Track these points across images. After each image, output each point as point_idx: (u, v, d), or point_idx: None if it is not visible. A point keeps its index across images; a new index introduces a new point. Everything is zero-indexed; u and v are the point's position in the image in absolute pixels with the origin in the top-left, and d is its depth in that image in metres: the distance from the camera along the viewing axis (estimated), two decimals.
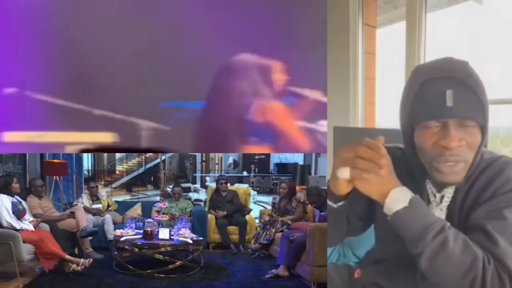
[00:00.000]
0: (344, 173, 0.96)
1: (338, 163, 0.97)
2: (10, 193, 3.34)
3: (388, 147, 1.20)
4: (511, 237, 0.97)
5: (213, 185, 5.28)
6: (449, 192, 1.10)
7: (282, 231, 3.88)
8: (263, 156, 12.76)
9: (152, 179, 12.62)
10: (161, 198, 5.25)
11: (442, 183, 1.08)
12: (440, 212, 1.10)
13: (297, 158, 11.17)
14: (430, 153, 1.04)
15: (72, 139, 1.89)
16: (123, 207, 4.78)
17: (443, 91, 1.00)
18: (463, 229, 1.02)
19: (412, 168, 1.13)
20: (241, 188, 5.44)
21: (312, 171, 9.00)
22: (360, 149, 0.94)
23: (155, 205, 4.60)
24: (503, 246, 0.95)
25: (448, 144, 1.00)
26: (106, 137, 1.87)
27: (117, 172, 13.02)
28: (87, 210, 4.21)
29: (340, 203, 1.08)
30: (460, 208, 1.08)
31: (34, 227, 3.32)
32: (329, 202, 1.11)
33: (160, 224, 4.05)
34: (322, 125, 2.02)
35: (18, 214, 3.30)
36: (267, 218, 4.18)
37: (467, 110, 1.00)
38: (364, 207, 1.26)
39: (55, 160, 4.66)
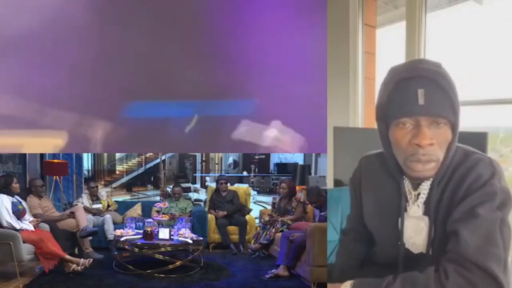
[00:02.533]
0: None
1: None
2: (10, 193, 3.34)
3: (368, 155, 1.36)
4: (485, 233, 1.01)
5: (213, 185, 5.28)
6: (424, 189, 1.16)
7: (282, 231, 3.88)
8: (263, 156, 12.77)
9: (152, 179, 12.64)
10: (161, 198, 5.25)
11: (415, 178, 1.14)
12: (417, 208, 1.17)
13: (297, 158, 11.18)
14: (404, 152, 1.10)
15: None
16: (123, 207, 4.78)
17: (415, 90, 1.05)
18: (441, 226, 1.09)
19: (389, 166, 1.19)
20: (241, 188, 5.44)
21: (312, 171, 9.00)
22: None
23: (155, 205, 4.60)
24: (473, 246, 0.98)
25: (420, 142, 1.05)
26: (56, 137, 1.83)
27: (117, 172, 13.03)
28: (87, 210, 4.21)
29: None
30: (437, 205, 1.13)
31: (34, 227, 3.32)
32: None
33: (160, 224, 4.05)
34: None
35: (18, 214, 3.29)
36: (267, 218, 4.18)
37: (438, 108, 1.05)
38: (360, 214, 1.38)
39: (55, 160, 4.66)
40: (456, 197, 1.08)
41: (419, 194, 1.17)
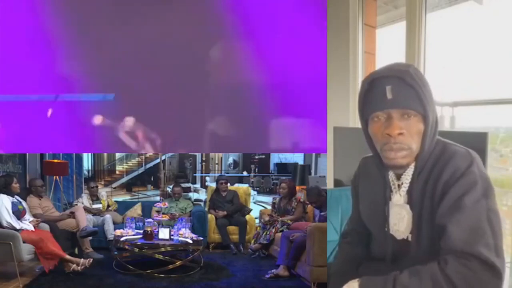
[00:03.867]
0: None
1: None
2: (10, 193, 3.34)
3: (366, 157, 1.46)
4: (471, 224, 1.07)
5: (213, 185, 5.28)
6: (406, 179, 1.25)
7: (282, 231, 3.88)
8: (263, 156, 12.77)
9: (152, 179, 12.63)
10: (161, 198, 5.25)
11: (391, 166, 1.24)
12: (399, 197, 1.28)
13: (297, 158, 11.17)
14: (380, 142, 1.22)
15: None
16: (123, 207, 4.78)
17: (384, 87, 1.18)
18: (428, 216, 1.18)
19: (376, 162, 1.31)
20: (241, 188, 5.44)
21: (312, 171, 9.00)
22: None
23: (155, 205, 4.60)
24: (462, 240, 1.05)
25: (391, 132, 1.17)
26: None
27: (117, 172, 13.03)
28: (87, 210, 4.20)
29: None
30: (421, 195, 1.21)
31: (34, 227, 3.32)
32: None
33: (160, 224, 4.04)
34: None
35: (18, 214, 3.29)
36: (267, 218, 4.18)
37: (405, 101, 1.17)
38: (362, 225, 1.47)
39: (55, 160, 4.66)
40: (437, 189, 1.16)
41: (401, 183, 1.27)
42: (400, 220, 1.26)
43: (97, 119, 2.00)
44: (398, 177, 1.28)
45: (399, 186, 1.28)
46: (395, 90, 1.17)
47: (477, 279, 1.02)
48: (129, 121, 1.99)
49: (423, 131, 1.19)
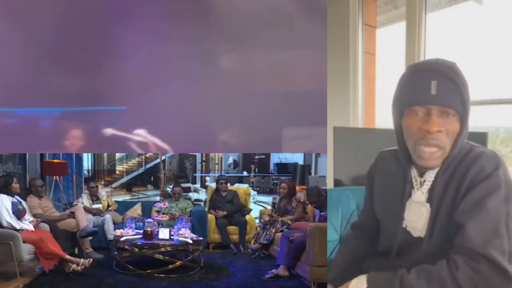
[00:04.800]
0: None
1: None
2: (10, 193, 3.34)
3: (383, 151, 1.44)
4: (490, 225, 1.06)
5: (213, 185, 5.27)
6: (429, 177, 1.23)
7: (282, 231, 3.88)
8: (263, 156, 12.77)
9: (152, 179, 12.62)
10: (161, 198, 5.24)
11: (421, 166, 1.21)
12: (421, 194, 1.25)
13: (297, 158, 11.17)
14: (414, 136, 1.18)
15: None
16: (123, 207, 4.78)
17: (429, 80, 1.14)
18: (446, 215, 1.15)
19: (399, 155, 1.28)
20: (241, 188, 5.44)
21: (312, 171, 8.99)
22: None
23: (155, 205, 4.60)
24: (478, 238, 1.04)
25: (430, 128, 1.13)
26: None
27: (117, 172, 13.02)
28: (87, 210, 4.20)
29: None
30: (442, 194, 1.19)
31: (34, 227, 3.32)
32: None
33: (160, 224, 4.04)
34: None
35: (18, 214, 3.29)
36: (267, 218, 4.18)
37: (448, 100, 1.13)
38: (373, 219, 1.45)
39: (55, 160, 4.65)
40: (461, 188, 1.13)
41: (424, 181, 1.24)
42: (419, 218, 1.24)
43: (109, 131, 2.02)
44: (421, 174, 1.25)
45: (421, 183, 1.25)
46: (440, 86, 1.13)
47: (487, 284, 1.00)
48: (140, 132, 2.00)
49: (458, 131, 1.16)
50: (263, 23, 2.00)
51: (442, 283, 1.02)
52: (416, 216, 1.24)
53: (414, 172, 1.27)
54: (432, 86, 1.13)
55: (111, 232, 4.05)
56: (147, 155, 12.44)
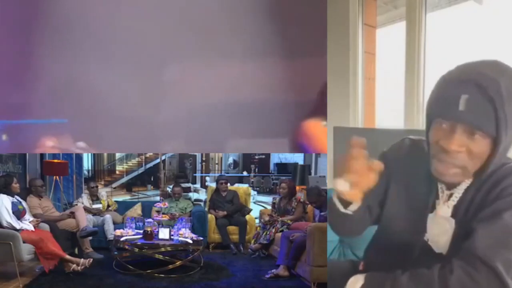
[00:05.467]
0: (342, 185, 0.98)
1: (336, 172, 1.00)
2: (10, 193, 3.34)
3: (412, 139, 1.30)
4: (501, 236, 0.99)
5: (213, 185, 5.27)
6: (458, 192, 1.13)
7: (282, 231, 3.88)
8: (263, 156, 12.77)
9: (152, 179, 12.63)
10: (161, 198, 5.24)
11: (439, 180, 1.12)
12: (446, 209, 1.14)
13: (297, 158, 11.17)
14: (432, 150, 1.10)
15: None
16: (123, 207, 4.78)
17: (461, 94, 1.01)
18: (466, 228, 1.07)
19: (428, 162, 1.15)
20: (241, 188, 5.44)
21: (312, 171, 9.00)
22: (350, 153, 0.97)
23: (155, 205, 4.60)
24: (485, 245, 0.98)
25: (447, 146, 1.03)
26: None
27: (117, 172, 13.02)
28: (87, 210, 4.21)
29: (355, 208, 1.12)
30: (466, 210, 1.11)
31: (34, 227, 3.32)
32: (339, 207, 1.15)
33: (160, 224, 4.05)
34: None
35: (18, 214, 3.29)
36: (267, 218, 4.18)
37: (476, 119, 1.00)
38: (382, 193, 1.31)
39: (55, 160, 4.65)
40: (487, 200, 1.06)
41: (451, 194, 1.15)
42: (443, 233, 1.15)
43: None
44: (450, 187, 1.15)
45: (448, 196, 1.15)
46: (471, 102, 1.01)
47: None
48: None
49: (489, 154, 1.05)
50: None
51: (430, 285, 0.98)
52: (440, 231, 1.16)
53: (441, 184, 1.17)
54: (462, 101, 1.01)
55: (111, 232, 4.06)
56: (147, 155, 12.45)
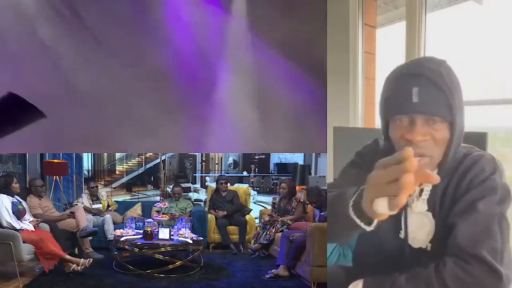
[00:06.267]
0: (382, 207, 0.84)
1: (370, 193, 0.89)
2: (10, 193, 3.34)
3: (373, 141, 1.36)
4: (482, 226, 1.04)
5: (213, 185, 5.27)
6: (427, 185, 1.16)
7: (282, 231, 3.88)
8: (263, 156, 12.77)
9: (152, 179, 12.62)
10: (161, 198, 5.24)
11: None
12: (421, 204, 1.17)
13: (297, 158, 11.17)
14: (398, 146, 1.12)
15: None
16: (123, 207, 4.78)
17: (411, 88, 1.07)
18: (442, 220, 1.12)
19: None
20: (241, 188, 5.44)
21: (312, 171, 9.00)
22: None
23: (155, 205, 4.60)
24: (469, 238, 1.03)
25: (412, 138, 1.06)
26: None
27: (117, 172, 13.01)
28: (87, 210, 4.21)
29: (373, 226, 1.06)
30: (440, 202, 1.15)
31: (34, 227, 3.32)
32: (360, 224, 1.08)
33: (160, 224, 4.05)
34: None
35: (18, 214, 3.29)
36: (267, 218, 4.18)
37: (432, 107, 1.06)
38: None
39: (55, 160, 4.66)
40: (458, 192, 1.11)
41: (422, 190, 1.17)
42: (420, 228, 1.18)
43: None
44: None
45: (419, 192, 1.17)
46: (423, 93, 1.06)
47: (476, 284, 0.99)
48: None
49: (449, 139, 1.10)
50: None
51: (429, 284, 1.01)
52: (417, 227, 1.19)
53: None
54: (414, 93, 1.06)
55: (111, 232, 4.05)
56: (147, 155, 12.45)
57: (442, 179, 1.12)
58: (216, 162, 13.62)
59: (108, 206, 4.53)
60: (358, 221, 1.10)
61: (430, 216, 1.16)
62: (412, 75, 1.09)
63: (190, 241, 3.70)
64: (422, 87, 1.06)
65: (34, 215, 3.60)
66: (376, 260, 1.30)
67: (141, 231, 3.74)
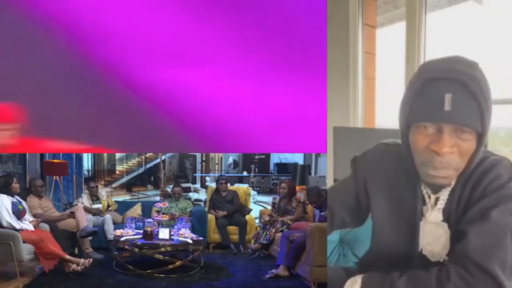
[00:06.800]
0: None
1: None
2: (10, 193, 3.34)
3: (387, 144, 1.25)
4: (493, 237, 0.98)
5: (213, 185, 5.28)
6: (444, 194, 1.09)
7: (282, 231, 3.88)
8: (263, 156, 12.78)
9: (152, 179, 12.64)
10: (161, 198, 5.25)
11: (430, 184, 1.08)
12: (437, 214, 1.10)
13: (297, 158, 11.18)
14: (421, 157, 1.04)
15: None
16: (123, 207, 4.78)
17: (443, 93, 0.97)
18: (455, 231, 1.05)
19: (408, 167, 1.12)
20: (241, 188, 5.44)
21: (312, 171, 9.01)
22: None
23: (155, 205, 4.60)
24: (479, 248, 0.96)
25: (439, 150, 0.99)
26: None
27: (117, 172, 13.04)
28: (87, 210, 4.21)
29: None
30: (455, 210, 1.08)
31: (34, 227, 3.32)
32: None
33: (160, 224, 4.04)
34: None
35: (18, 214, 3.29)
36: (267, 218, 4.18)
37: (464, 117, 0.97)
38: (353, 202, 1.31)
39: (55, 160, 4.66)
40: (472, 198, 1.04)
41: (438, 198, 1.10)
42: (436, 240, 1.10)
43: None
44: (435, 191, 1.10)
45: (435, 200, 1.10)
46: (456, 100, 0.96)
47: None
48: None
49: (474, 150, 1.01)
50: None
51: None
52: (433, 238, 1.11)
53: (425, 187, 1.12)
54: (446, 100, 0.96)
55: (111, 232, 4.05)
56: (147, 155, 12.46)
57: (461, 188, 1.07)
58: (216, 162, 13.64)
59: (108, 206, 4.53)
60: None
61: (446, 226, 1.09)
62: (443, 79, 0.99)
63: (190, 241, 3.70)
64: (455, 93, 0.97)
65: (34, 215, 3.60)
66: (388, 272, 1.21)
67: (141, 231, 3.74)
